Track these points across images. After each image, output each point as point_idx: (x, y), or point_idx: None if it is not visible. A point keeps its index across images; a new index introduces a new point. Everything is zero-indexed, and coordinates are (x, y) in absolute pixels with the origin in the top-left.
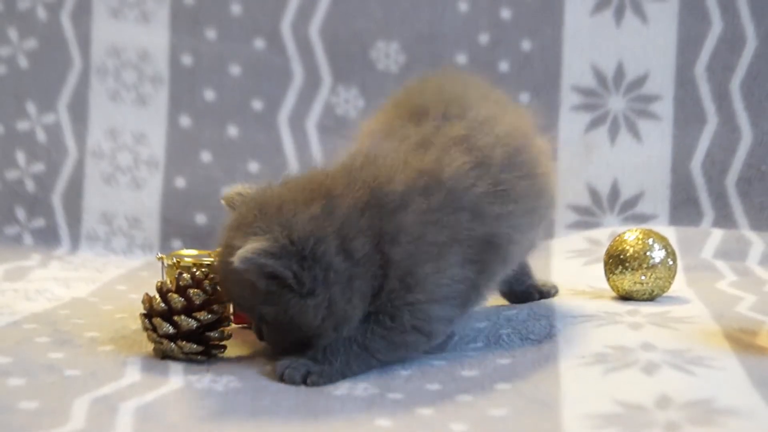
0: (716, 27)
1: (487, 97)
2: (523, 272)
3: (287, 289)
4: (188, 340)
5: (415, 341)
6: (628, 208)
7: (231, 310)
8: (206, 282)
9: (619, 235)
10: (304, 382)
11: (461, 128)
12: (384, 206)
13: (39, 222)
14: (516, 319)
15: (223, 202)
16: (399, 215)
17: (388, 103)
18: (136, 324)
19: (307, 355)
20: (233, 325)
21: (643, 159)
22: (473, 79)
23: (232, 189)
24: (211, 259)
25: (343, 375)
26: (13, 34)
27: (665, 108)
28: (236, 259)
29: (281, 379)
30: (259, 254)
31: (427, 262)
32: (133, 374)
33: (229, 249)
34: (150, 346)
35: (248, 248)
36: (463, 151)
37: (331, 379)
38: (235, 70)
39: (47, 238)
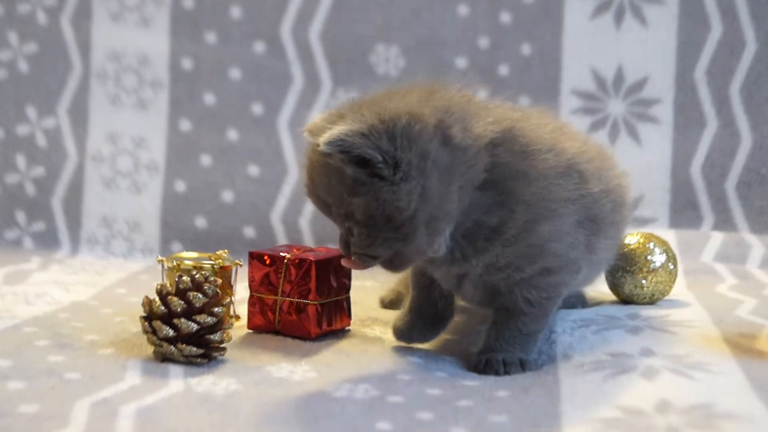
0: (716, 31)
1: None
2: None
3: (377, 178)
4: (188, 343)
5: (553, 306)
6: None
7: (233, 311)
8: (206, 285)
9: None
10: (506, 372)
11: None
12: (519, 143)
13: (39, 225)
14: None
15: (305, 134)
16: (536, 159)
17: None
18: (136, 327)
19: (485, 348)
20: (236, 323)
21: (643, 162)
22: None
23: (314, 119)
24: (212, 262)
25: (527, 360)
26: (13, 38)
27: (665, 112)
28: (321, 142)
29: (482, 370)
30: (346, 135)
31: (547, 219)
32: (133, 377)
33: (316, 138)
34: (150, 349)
35: (334, 131)
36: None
37: (524, 365)
38: (235, 74)
39: (47, 241)
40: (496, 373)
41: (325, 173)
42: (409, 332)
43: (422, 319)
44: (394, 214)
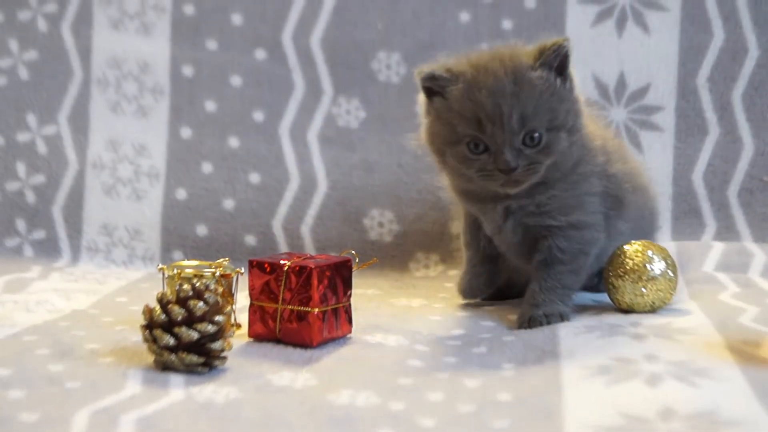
0: (718, 37)
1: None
2: None
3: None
4: (189, 352)
5: (584, 262)
6: None
7: (234, 319)
8: (207, 293)
9: (618, 248)
10: (548, 322)
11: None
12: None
13: (39, 233)
14: None
15: (418, 77)
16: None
17: None
18: (137, 335)
19: (528, 304)
20: (237, 332)
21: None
22: None
23: (423, 67)
24: (212, 270)
25: (565, 313)
26: (13, 45)
27: (667, 119)
28: (562, 40)
29: (527, 325)
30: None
31: (592, 175)
32: (133, 386)
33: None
34: (150, 358)
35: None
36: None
37: (563, 317)
38: (236, 81)
39: (47, 249)
40: (540, 324)
41: (538, 89)
42: (471, 289)
43: (481, 277)
44: (575, 118)
